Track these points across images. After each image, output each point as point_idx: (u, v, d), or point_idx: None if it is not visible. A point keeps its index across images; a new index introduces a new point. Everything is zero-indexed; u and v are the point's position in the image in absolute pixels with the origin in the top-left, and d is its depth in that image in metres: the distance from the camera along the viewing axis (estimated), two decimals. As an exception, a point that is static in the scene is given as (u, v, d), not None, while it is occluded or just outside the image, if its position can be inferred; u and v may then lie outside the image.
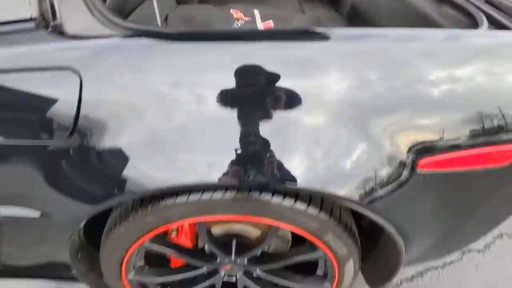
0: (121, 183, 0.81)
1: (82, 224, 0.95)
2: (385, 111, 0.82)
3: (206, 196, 0.87)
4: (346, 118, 0.80)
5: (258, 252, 1.12)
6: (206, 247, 1.11)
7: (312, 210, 0.90)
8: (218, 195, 0.87)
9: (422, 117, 0.83)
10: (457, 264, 1.69)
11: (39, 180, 0.85)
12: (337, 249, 0.99)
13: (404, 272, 1.63)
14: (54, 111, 0.80)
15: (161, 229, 0.94)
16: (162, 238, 1.04)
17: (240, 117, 0.80)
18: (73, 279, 1.23)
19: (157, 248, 1.03)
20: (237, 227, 1.18)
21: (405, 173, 0.85)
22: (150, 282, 1.14)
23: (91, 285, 1.22)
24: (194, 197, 0.87)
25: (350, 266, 1.05)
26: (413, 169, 0.84)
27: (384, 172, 0.83)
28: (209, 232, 1.11)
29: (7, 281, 1.29)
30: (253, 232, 1.14)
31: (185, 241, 1.13)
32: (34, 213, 0.93)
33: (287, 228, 0.94)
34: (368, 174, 0.83)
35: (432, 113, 0.83)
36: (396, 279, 1.60)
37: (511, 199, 1.02)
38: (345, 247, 0.99)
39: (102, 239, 1.02)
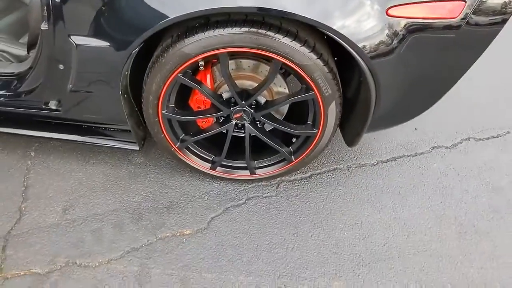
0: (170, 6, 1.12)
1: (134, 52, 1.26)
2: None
3: (228, 30, 1.17)
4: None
5: (261, 100, 1.45)
6: (225, 94, 1.45)
7: (305, 49, 1.21)
8: (236, 30, 1.17)
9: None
10: (426, 155, 2.02)
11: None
12: (323, 87, 1.30)
13: (381, 155, 1.98)
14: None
15: (194, 60, 1.25)
16: (190, 75, 1.37)
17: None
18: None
19: (188, 82, 1.35)
20: (247, 83, 1.51)
21: (378, 21, 1.14)
22: (177, 118, 1.48)
23: (132, 126, 1.57)
24: (219, 31, 1.18)
25: (333, 108, 1.38)
26: (383, 15, 1.13)
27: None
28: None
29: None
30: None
31: (206, 80, 1.45)
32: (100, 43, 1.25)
33: (287, 63, 1.25)
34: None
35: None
36: (373, 160, 1.95)
37: (459, 66, 1.31)
38: (329, 87, 1.31)
39: (146, 75, 1.35)
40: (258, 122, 1.56)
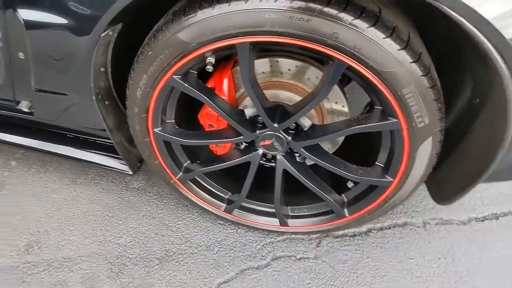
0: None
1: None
2: None
3: (253, 3, 0.66)
4: None
5: (305, 122, 0.91)
6: (248, 111, 0.93)
7: (393, 44, 0.65)
8: (268, 2, 0.65)
9: None
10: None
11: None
12: (415, 114, 0.74)
13: (476, 209, 1.34)
14: None
15: (197, 53, 0.76)
16: (195, 79, 0.86)
17: None
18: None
19: (188, 89, 0.85)
20: (284, 95, 0.97)
21: None
22: (176, 141, 0.99)
23: (119, 143, 1.13)
24: (237, 4, 0.66)
25: (427, 148, 0.80)
26: None
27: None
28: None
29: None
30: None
31: (221, 88, 0.94)
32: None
33: (355, 66, 0.70)
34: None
35: None
36: (463, 215, 1.32)
37: None
38: (427, 114, 0.74)
39: (129, 75, 0.88)
40: (296, 154, 1.03)
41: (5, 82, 1.12)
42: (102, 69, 0.90)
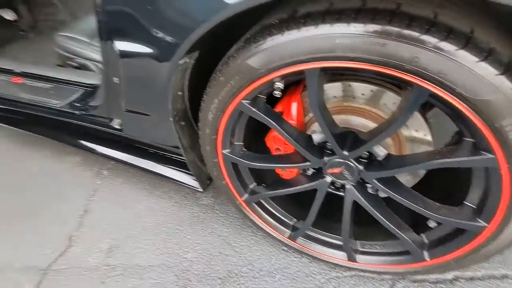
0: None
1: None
2: None
3: (325, 28, 0.63)
4: None
5: (380, 151, 0.83)
6: (316, 136, 0.89)
7: (490, 68, 0.56)
8: (342, 27, 0.62)
9: None
10: None
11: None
12: (518, 150, 0.61)
13: None
14: None
15: (266, 79, 0.76)
16: (263, 104, 0.87)
17: None
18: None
19: (256, 114, 0.85)
20: (357, 120, 0.91)
21: None
22: (243, 163, 1.00)
23: (191, 161, 1.19)
24: (308, 30, 0.65)
25: (533, 192, 0.66)
26: None
27: None
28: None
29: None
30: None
31: (290, 112, 0.92)
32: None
33: (441, 94, 0.61)
34: None
35: None
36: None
37: None
38: (534, 151, 0.61)
39: (202, 99, 0.93)
40: (368, 185, 0.95)
41: (103, 102, 1.29)
42: (180, 93, 0.97)
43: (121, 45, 0.91)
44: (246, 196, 1.11)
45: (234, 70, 0.78)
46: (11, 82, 1.61)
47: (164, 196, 1.52)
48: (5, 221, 1.48)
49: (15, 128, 1.71)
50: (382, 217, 0.91)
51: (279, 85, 0.79)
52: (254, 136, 1.05)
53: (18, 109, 1.60)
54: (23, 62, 1.68)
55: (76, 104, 1.47)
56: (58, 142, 1.65)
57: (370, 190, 0.95)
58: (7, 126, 1.72)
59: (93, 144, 1.59)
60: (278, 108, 0.95)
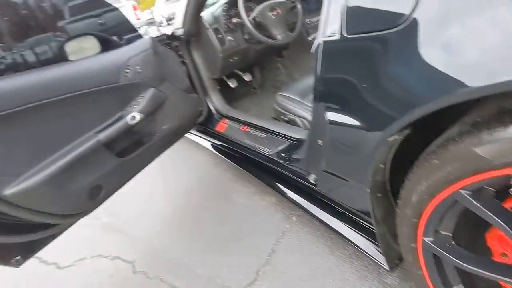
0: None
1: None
2: None
3: None
4: None
5: None
6: None
7: None
8: None
9: None
10: None
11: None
12: None
13: None
14: None
15: (499, 172, 0.61)
16: (491, 198, 0.69)
17: None
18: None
19: (478, 209, 0.69)
20: None
21: None
22: (449, 260, 0.82)
23: (381, 235, 1.09)
24: None
25: None
26: None
27: None
28: None
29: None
30: None
31: None
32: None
33: None
34: None
35: None
36: None
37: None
38: None
39: (406, 176, 0.84)
40: None
41: (305, 157, 1.41)
42: (382, 166, 0.92)
43: (332, 115, 0.97)
44: (446, 297, 0.90)
45: (455, 156, 0.67)
46: (241, 129, 2.02)
47: (345, 259, 1.46)
48: (216, 238, 1.81)
49: (234, 164, 2.11)
50: None
51: (518, 181, 0.61)
52: (470, 229, 0.86)
53: (240, 150, 1.98)
54: (250, 114, 2.08)
55: (282, 154, 1.67)
56: (260, 181, 1.92)
57: None
58: (229, 161, 2.16)
59: (286, 189, 1.76)
60: (510, 204, 0.74)
